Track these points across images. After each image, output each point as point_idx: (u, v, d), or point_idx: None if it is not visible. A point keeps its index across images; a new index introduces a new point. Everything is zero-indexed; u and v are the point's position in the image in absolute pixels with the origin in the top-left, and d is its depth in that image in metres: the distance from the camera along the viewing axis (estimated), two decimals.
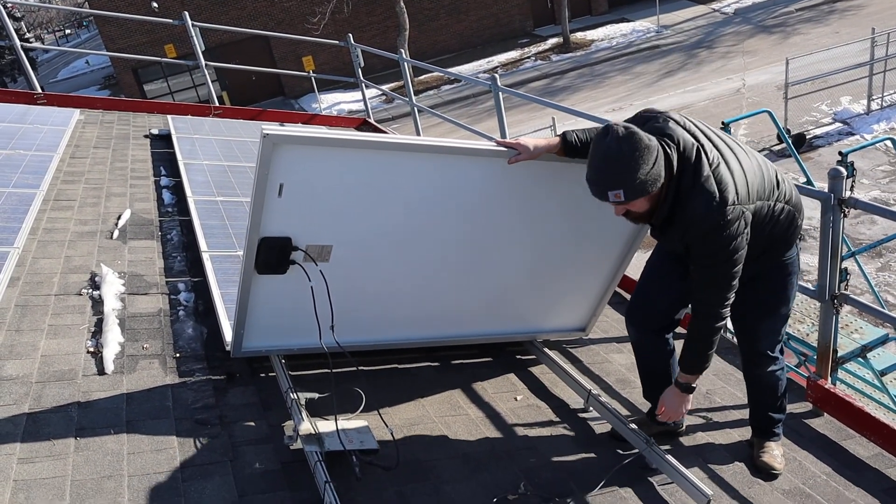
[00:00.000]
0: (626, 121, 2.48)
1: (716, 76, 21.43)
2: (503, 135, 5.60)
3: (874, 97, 15.61)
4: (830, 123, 15.78)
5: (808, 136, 15.10)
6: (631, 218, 2.43)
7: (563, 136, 2.71)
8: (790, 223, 2.53)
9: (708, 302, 2.44)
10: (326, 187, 2.54)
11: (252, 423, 2.70)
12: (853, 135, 15.03)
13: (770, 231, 2.48)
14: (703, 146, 2.32)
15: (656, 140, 2.26)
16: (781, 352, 2.80)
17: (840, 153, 4.51)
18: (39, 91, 7.42)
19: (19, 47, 7.49)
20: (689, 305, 2.84)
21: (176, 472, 2.38)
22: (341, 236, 2.69)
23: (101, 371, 2.89)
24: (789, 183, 2.56)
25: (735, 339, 2.91)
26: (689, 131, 2.36)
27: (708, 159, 2.29)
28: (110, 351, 3.00)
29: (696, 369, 2.56)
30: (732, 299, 2.43)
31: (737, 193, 2.29)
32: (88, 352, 3.01)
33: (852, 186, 3.83)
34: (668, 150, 2.28)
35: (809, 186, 3.50)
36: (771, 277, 2.64)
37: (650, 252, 2.91)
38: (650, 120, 2.40)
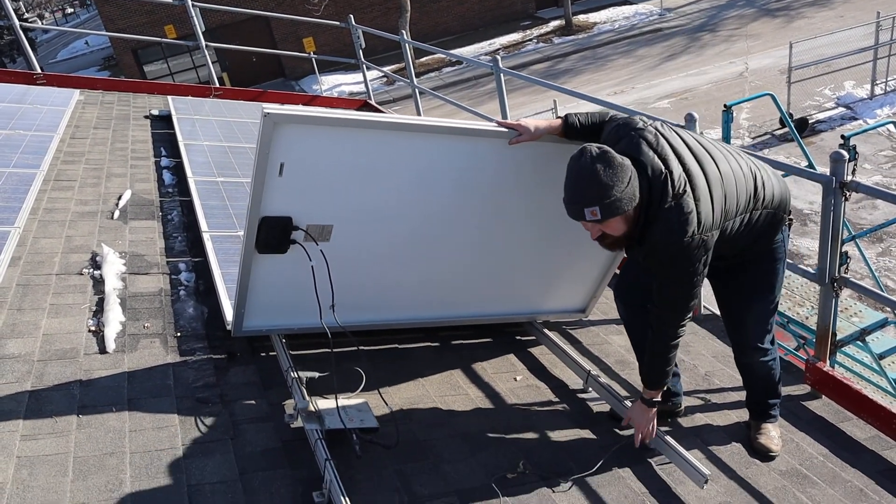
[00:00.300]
0: (606, 130, 2.50)
1: (718, 60, 21.30)
2: (504, 117, 5.58)
3: (878, 82, 15.53)
4: (833, 108, 15.70)
5: (810, 121, 15.04)
6: (606, 243, 2.42)
7: (565, 118, 2.71)
8: (771, 220, 2.54)
9: (664, 321, 2.48)
10: (327, 167, 2.54)
11: (253, 402, 2.71)
12: (856, 119, 14.96)
13: (750, 231, 2.49)
14: (671, 172, 2.28)
15: (630, 162, 2.27)
16: (772, 342, 2.79)
17: (842, 136, 4.49)
18: (39, 71, 7.39)
19: (18, 27, 7.45)
20: None
21: (177, 449, 2.40)
22: (342, 216, 2.69)
23: (102, 350, 2.90)
24: (771, 184, 2.52)
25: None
26: (659, 153, 2.32)
27: (673, 187, 2.27)
28: (111, 330, 3.01)
29: (657, 384, 2.61)
30: (688, 320, 2.49)
31: (698, 223, 2.27)
32: (90, 331, 3.02)
33: (854, 170, 3.82)
34: (639, 175, 2.29)
35: (810, 170, 3.49)
36: (756, 264, 2.63)
37: None
38: (624, 138, 2.39)
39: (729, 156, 2.46)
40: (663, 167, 2.29)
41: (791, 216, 2.65)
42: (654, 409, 2.65)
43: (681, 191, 2.27)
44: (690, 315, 2.49)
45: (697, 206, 2.28)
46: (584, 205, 2.26)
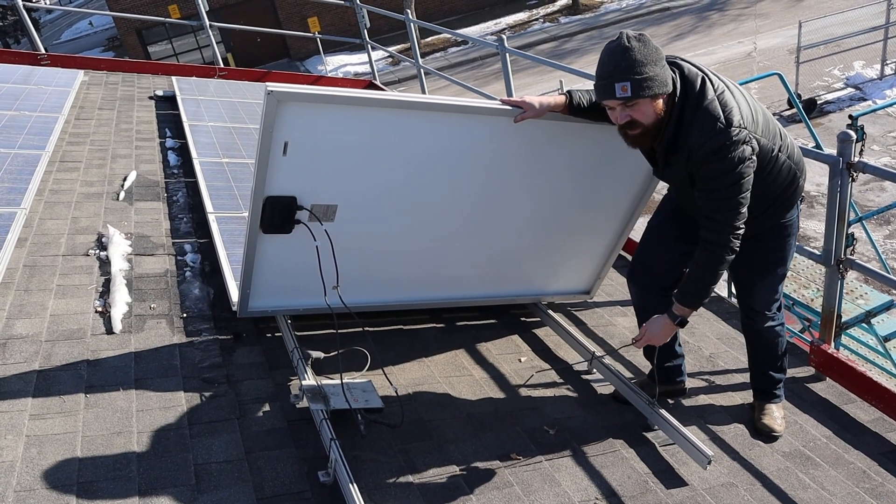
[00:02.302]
0: None
1: (727, 39, 21.09)
2: (510, 97, 5.55)
3: (888, 62, 15.35)
4: (842, 89, 15.55)
5: (819, 102, 14.90)
6: (632, 136, 2.37)
7: (569, 95, 2.70)
8: (791, 181, 2.53)
9: (713, 230, 2.38)
10: (331, 146, 2.53)
11: (258, 382, 2.73)
12: (865, 100, 14.80)
13: (770, 183, 2.46)
14: (707, 75, 2.33)
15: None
16: (779, 309, 2.81)
17: (850, 117, 4.45)
18: (43, 52, 7.37)
19: (22, 7, 7.42)
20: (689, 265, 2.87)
21: (184, 429, 2.42)
22: (346, 196, 2.69)
23: (109, 330, 2.92)
24: (792, 140, 2.55)
25: (736, 301, 2.93)
26: (695, 65, 2.37)
27: (713, 86, 2.30)
28: (118, 311, 3.03)
29: (695, 302, 2.51)
30: (742, 230, 2.37)
31: (742, 117, 2.27)
32: (97, 311, 3.04)
33: (861, 150, 3.79)
34: (673, 74, 2.30)
35: (818, 150, 3.46)
36: (770, 238, 2.64)
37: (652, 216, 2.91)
38: None
39: (754, 99, 2.48)
40: (699, 72, 2.32)
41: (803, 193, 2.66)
42: (675, 329, 2.58)
43: (721, 89, 2.29)
44: (742, 228, 2.37)
45: (738, 104, 2.29)
46: (615, 79, 2.23)
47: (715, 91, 2.29)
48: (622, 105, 2.28)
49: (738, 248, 2.41)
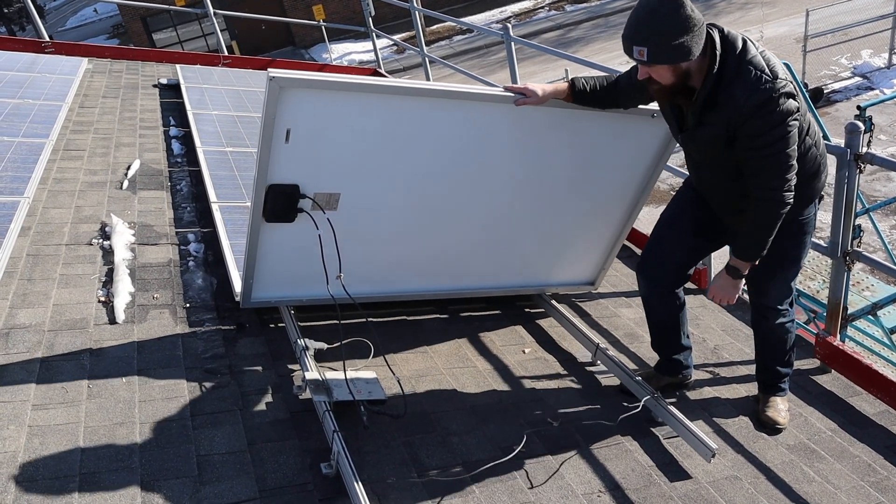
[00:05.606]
0: None
1: (733, 28, 20.91)
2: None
3: None
4: (850, 78, 15.44)
5: (826, 91, 14.80)
6: (653, 89, 2.36)
7: (572, 82, 2.68)
8: (815, 173, 2.49)
9: (766, 186, 2.33)
10: (334, 133, 2.51)
11: (261, 373, 2.72)
12: (873, 90, 14.71)
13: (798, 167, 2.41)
14: (749, 38, 2.29)
15: (704, 22, 2.22)
16: (791, 305, 2.79)
17: (858, 107, 4.41)
18: (47, 39, 7.35)
19: None
20: (703, 258, 2.83)
21: (186, 420, 2.41)
22: (349, 184, 2.67)
23: (112, 320, 2.91)
24: (820, 137, 2.51)
25: (745, 294, 2.91)
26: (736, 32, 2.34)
27: (754, 44, 2.27)
28: (121, 300, 3.02)
29: (752, 256, 2.50)
30: (794, 181, 2.32)
31: (785, 76, 2.23)
32: (99, 301, 3.04)
33: (869, 141, 3.75)
34: (713, 34, 2.25)
35: (826, 141, 3.43)
36: (786, 234, 2.58)
37: (660, 207, 2.89)
38: None
39: None
40: (741, 36, 2.28)
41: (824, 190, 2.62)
42: (738, 283, 2.58)
43: (762, 49, 2.25)
44: (794, 180, 2.32)
45: (779, 66, 2.25)
46: (634, 42, 2.21)
47: (757, 49, 2.26)
48: (640, 63, 2.27)
49: (791, 200, 2.35)
